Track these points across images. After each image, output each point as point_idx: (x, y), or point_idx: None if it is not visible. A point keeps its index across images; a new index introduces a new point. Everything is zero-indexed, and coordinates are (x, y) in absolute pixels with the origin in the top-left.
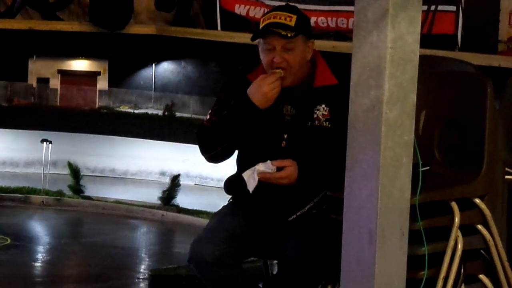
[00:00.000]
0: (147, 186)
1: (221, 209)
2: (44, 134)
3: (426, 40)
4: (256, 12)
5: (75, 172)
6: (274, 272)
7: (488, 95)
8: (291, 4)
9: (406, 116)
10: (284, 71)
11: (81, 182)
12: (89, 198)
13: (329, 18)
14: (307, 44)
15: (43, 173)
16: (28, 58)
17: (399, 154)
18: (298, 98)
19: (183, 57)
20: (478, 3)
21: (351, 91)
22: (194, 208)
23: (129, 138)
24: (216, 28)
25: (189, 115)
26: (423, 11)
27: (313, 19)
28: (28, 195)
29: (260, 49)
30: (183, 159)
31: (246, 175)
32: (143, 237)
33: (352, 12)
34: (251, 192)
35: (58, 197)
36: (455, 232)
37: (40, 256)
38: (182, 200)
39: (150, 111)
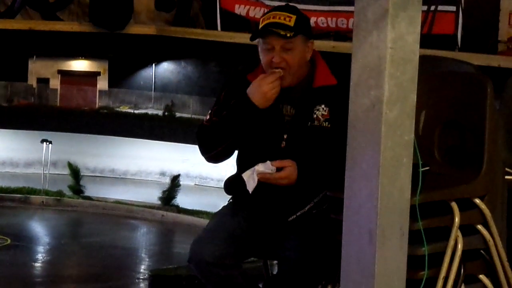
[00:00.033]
0: (147, 186)
1: (221, 209)
2: (44, 134)
3: (426, 40)
4: (256, 12)
5: (75, 172)
6: (274, 272)
7: (488, 95)
8: (291, 4)
9: (406, 116)
10: (283, 71)
11: (81, 182)
12: (89, 198)
13: (329, 18)
14: (306, 44)
15: (43, 173)
16: (28, 58)
17: (399, 154)
18: (297, 98)
19: (183, 57)
20: (478, 3)
21: (351, 91)
22: (194, 208)
23: (129, 138)
24: (216, 28)
25: (189, 115)
26: (423, 11)
27: (313, 19)
28: (28, 195)
29: (259, 49)
30: (183, 159)
31: (245, 175)
32: (143, 237)
33: (352, 12)
34: (250, 192)
35: (58, 197)
36: (455, 232)
37: (40, 256)
38: (182, 200)
39: (150, 111)
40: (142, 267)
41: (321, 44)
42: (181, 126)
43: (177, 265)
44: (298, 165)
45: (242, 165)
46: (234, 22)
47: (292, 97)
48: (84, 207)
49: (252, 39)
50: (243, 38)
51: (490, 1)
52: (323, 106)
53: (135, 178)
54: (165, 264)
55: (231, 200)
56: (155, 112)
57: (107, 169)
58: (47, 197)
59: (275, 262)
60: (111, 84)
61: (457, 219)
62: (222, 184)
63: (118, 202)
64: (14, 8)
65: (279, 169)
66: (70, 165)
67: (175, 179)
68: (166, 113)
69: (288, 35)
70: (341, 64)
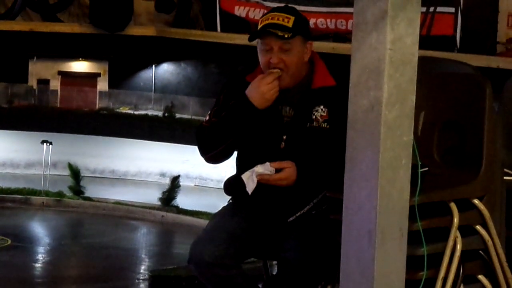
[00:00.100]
0: (147, 187)
1: (221, 210)
2: (45, 135)
3: (425, 41)
4: (255, 14)
5: (75, 173)
6: (274, 273)
7: (487, 96)
8: (290, 5)
9: (405, 117)
10: (281, 72)
11: (81, 183)
12: (89, 199)
13: (328, 20)
14: (305, 45)
15: (44, 174)
16: (28, 59)
17: (398, 155)
18: (296, 99)
19: (183, 59)
20: (477, 4)
21: (351, 92)
22: (194, 209)
23: (129, 139)
24: (215, 30)
25: (189, 116)
26: (422, 12)
27: (312, 21)
28: (29, 196)
29: (258, 50)
30: (183, 160)
31: (245, 176)
32: (143, 238)
33: (351, 13)
34: (250, 194)
35: (59, 198)
36: (454, 233)
37: (40, 257)
38: (182, 201)
39: (150, 112)
40: (142, 267)
41: (320, 45)
42: (181, 127)
43: (177, 265)
44: (297, 166)
45: (242, 166)
46: (234, 24)
47: (291, 98)
48: (84, 207)
49: (250, 39)
50: (243, 39)
51: (489, 2)
52: (322, 107)
53: (135, 179)
54: (165, 265)
55: (230, 201)
56: (155, 113)
57: (107, 170)
58: (47, 198)
59: (274, 262)
60: (111, 85)
61: (456, 220)
62: (221, 185)
63: (118, 202)
64: (15, 9)
65: (278, 170)
66: (70, 166)
67: (175, 180)
68: (166, 114)
69: (286, 36)
70: (340, 65)
